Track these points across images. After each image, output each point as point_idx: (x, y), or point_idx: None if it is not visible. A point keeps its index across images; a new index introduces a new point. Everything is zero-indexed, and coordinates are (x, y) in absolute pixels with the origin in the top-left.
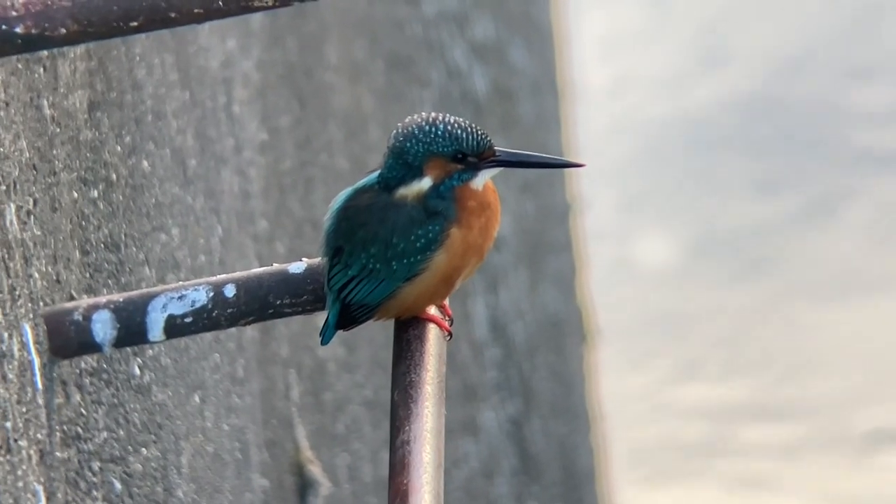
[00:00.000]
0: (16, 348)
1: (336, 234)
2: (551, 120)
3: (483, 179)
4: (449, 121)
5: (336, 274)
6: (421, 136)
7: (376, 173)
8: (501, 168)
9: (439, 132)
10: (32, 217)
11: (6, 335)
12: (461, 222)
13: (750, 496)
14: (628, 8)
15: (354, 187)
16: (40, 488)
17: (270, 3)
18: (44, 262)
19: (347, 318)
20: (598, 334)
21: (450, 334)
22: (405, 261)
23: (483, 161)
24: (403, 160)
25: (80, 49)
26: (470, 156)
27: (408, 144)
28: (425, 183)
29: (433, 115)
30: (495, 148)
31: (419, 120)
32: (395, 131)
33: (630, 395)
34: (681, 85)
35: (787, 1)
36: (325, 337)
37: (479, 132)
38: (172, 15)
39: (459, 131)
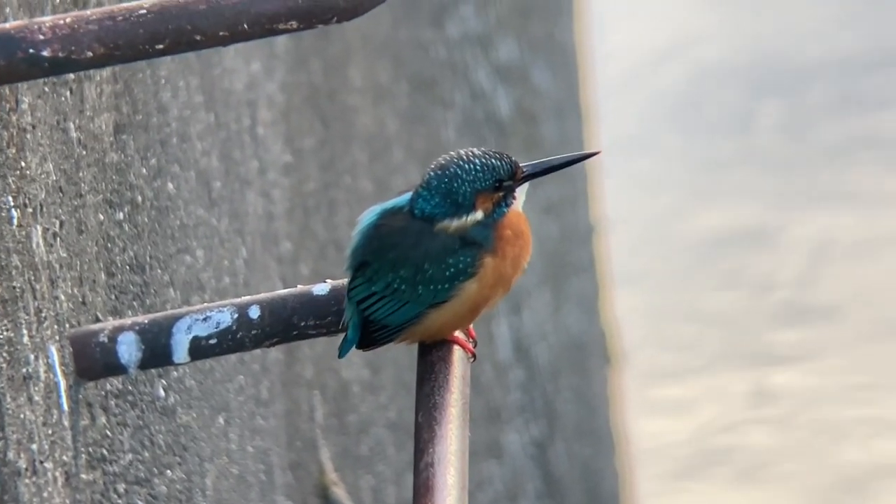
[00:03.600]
0: (42, 370)
1: (364, 249)
2: (574, 141)
3: (522, 198)
4: (481, 153)
5: (358, 286)
6: (465, 175)
7: (407, 195)
8: (531, 181)
9: (478, 167)
10: (59, 239)
11: (32, 357)
12: (496, 252)
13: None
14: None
15: (384, 206)
16: None
17: (294, 26)
18: (70, 284)
19: (368, 337)
20: (621, 356)
21: (474, 356)
22: (432, 287)
23: (516, 181)
24: (452, 200)
25: (106, 72)
26: (506, 181)
27: (455, 185)
28: (478, 216)
29: (464, 151)
30: (521, 165)
31: (457, 160)
32: (434, 172)
33: None
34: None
35: None
36: (343, 350)
37: (506, 155)
38: (198, 38)
39: (494, 161)
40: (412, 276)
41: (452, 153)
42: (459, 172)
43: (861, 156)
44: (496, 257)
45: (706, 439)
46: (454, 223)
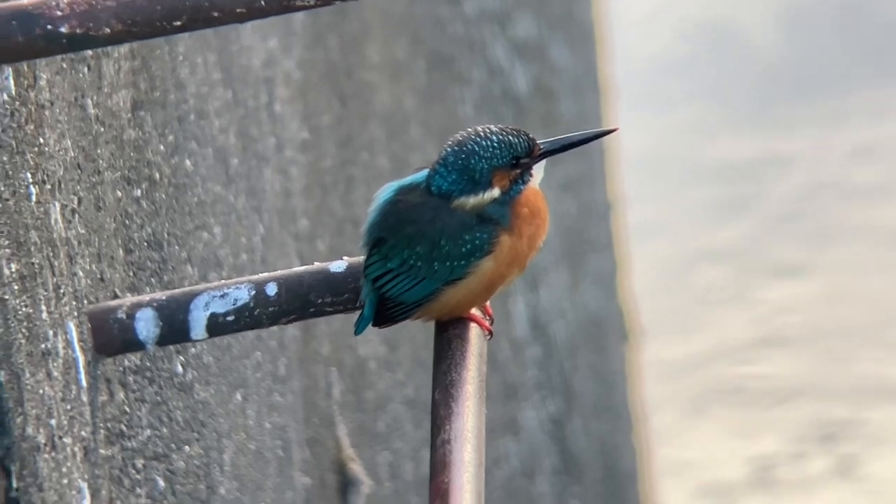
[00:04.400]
0: (60, 346)
1: (380, 225)
2: (593, 118)
3: (540, 175)
4: (498, 130)
5: (374, 263)
6: (482, 152)
7: (424, 172)
8: (548, 158)
9: (496, 144)
10: (77, 216)
11: (51, 333)
12: (513, 229)
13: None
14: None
15: (401, 183)
16: (84, 485)
17: (312, 3)
18: (88, 260)
19: (384, 314)
20: (639, 333)
21: (490, 333)
22: (447, 263)
23: (533, 159)
24: (469, 177)
25: (123, 48)
26: (523, 158)
27: (472, 162)
28: (495, 192)
29: (481, 128)
30: (538, 142)
31: (474, 136)
32: (451, 149)
33: None
34: None
35: None
36: (359, 328)
37: (523, 132)
38: (215, 14)
39: (511, 137)
40: (428, 252)
41: (470, 130)
42: (477, 149)
43: None
44: (513, 235)
45: None
46: (471, 200)
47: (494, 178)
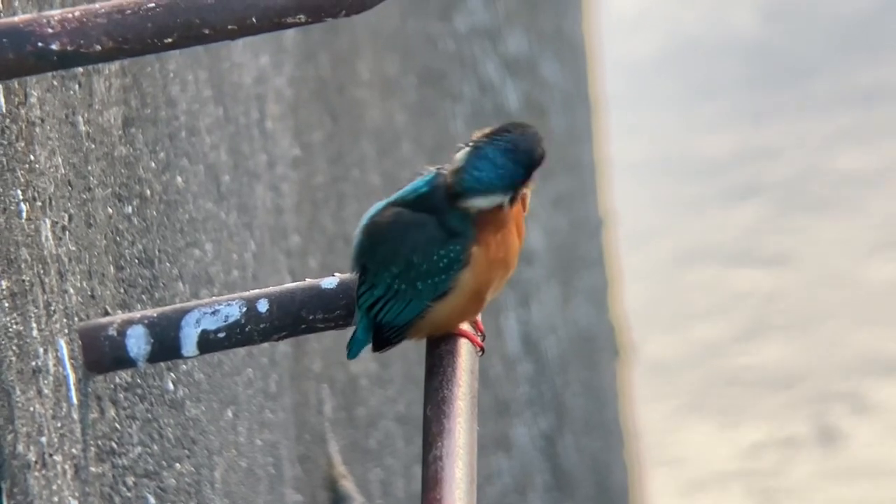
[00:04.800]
0: (51, 363)
1: (361, 251)
2: (584, 133)
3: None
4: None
5: (363, 293)
6: (526, 155)
7: (410, 186)
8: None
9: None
10: (67, 233)
11: (42, 350)
12: (479, 240)
13: None
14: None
15: (387, 201)
16: (75, 503)
17: (303, 20)
18: (79, 277)
19: (381, 340)
20: (630, 350)
21: (482, 350)
22: (430, 281)
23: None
24: (507, 172)
25: (114, 66)
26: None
27: (518, 158)
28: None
29: (530, 128)
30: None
31: (526, 133)
32: (500, 139)
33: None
34: None
35: None
36: (352, 351)
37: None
38: (206, 31)
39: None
40: (406, 272)
41: (518, 124)
42: (528, 147)
43: None
44: (481, 245)
45: None
46: (480, 202)
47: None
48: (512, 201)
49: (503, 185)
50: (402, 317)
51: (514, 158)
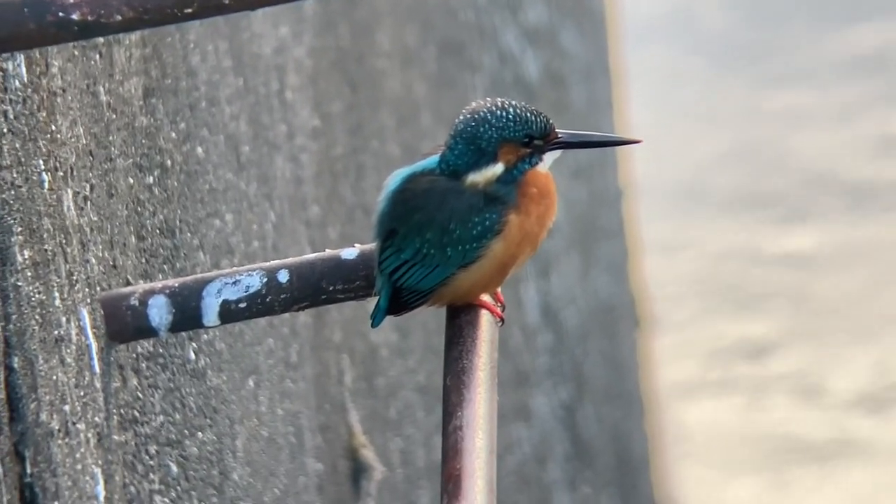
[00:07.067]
0: (74, 333)
1: (391, 216)
2: (604, 104)
3: (549, 162)
4: (516, 105)
5: (388, 257)
6: (493, 120)
7: (434, 157)
8: (563, 150)
9: (510, 116)
10: (89, 203)
11: (64, 320)
12: (520, 209)
13: None
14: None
15: (411, 169)
16: (98, 471)
17: None
18: (100, 247)
19: (399, 303)
20: (651, 320)
21: (502, 320)
22: (460, 248)
23: (548, 144)
24: (476, 146)
25: (135, 36)
26: (537, 139)
27: (481, 130)
28: (498, 168)
29: (499, 100)
30: (557, 130)
31: (489, 105)
32: (462, 117)
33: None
34: None
35: None
36: (376, 320)
37: (543, 115)
38: (226, 2)
39: (528, 115)
40: (439, 238)
41: (490, 100)
42: (489, 117)
43: None
44: (520, 214)
45: None
46: (482, 176)
47: (501, 150)
48: (517, 166)
49: (478, 156)
50: (426, 282)
51: (486, 127)
